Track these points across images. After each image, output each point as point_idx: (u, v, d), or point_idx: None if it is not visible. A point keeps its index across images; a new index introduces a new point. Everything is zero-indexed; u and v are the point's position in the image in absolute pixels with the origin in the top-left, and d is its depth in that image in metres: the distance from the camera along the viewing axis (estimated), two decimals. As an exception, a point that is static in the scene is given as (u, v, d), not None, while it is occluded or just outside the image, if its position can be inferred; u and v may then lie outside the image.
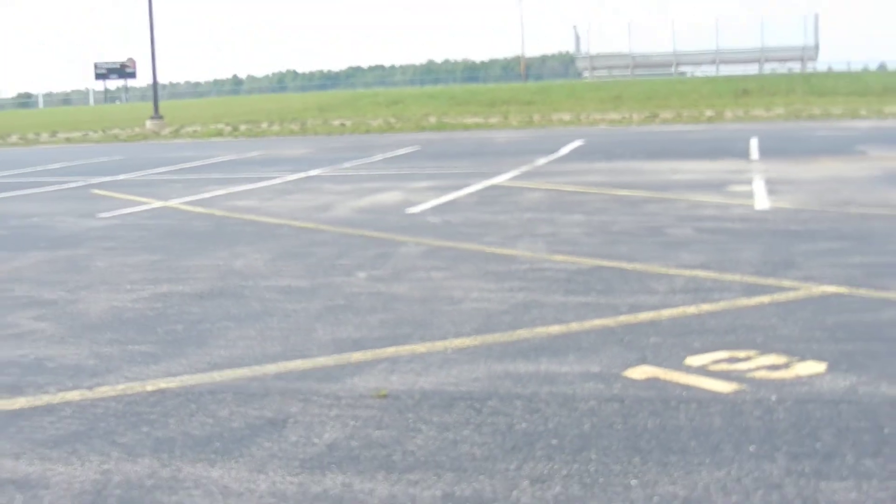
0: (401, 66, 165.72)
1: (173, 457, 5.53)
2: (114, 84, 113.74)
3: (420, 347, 7.60)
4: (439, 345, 7.66)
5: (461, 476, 5.11)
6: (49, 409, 6.42)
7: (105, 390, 6.78)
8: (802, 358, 6.98)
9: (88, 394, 6.71)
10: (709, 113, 48.52)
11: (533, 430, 5.75)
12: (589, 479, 5.01)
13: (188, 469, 5.34)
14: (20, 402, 6.59)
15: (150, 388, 6.81)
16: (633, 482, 4.96)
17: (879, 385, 6.38)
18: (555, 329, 8.00)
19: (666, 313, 8.41)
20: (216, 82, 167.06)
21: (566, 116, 50.90)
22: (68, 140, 49.48)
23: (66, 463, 5.48)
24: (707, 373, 6.70)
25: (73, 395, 6.69)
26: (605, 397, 6.28)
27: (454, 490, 4.93)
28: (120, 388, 6.82)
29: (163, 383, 6.90)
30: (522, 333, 7.90)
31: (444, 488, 4.96)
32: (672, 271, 10.17)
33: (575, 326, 8.07)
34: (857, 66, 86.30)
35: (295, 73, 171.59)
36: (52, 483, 5.21)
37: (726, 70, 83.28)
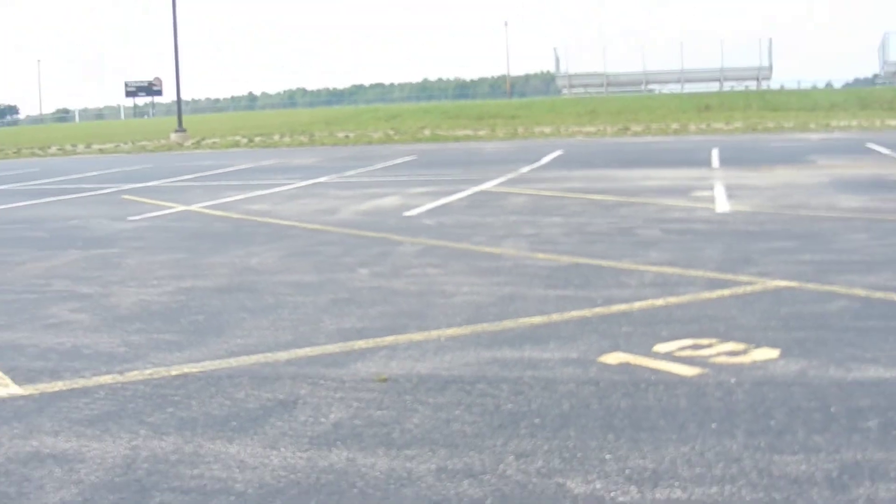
0: (399, 84, 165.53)
1: (195, 434, 5.52)
2: (142, 101, 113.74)
3: (416, 336, 7.60)
4: (434, 334, 7.65)
5: (453, 451, 5.11)
6: (84, 392, 6.42)
7: (134, 375, 6.77)
8: (758, 345, 6.98)
9: (119, 378, 6.71)
10: (675, 126, 48.53)
11: (518, 410, 5.75)
12: (568, 454, 5.01)
13: (208, 445, 5.34)
14: (59, 385, 6.58)
15: (174, 372, 6.80)
16: (608, 456, 4.96)
17: (827, 369, 6.39)
18: (537, 319, 8.00)
19: (637, 305, 8.41)
20: (233, 98, 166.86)
21: (547, 129, 50.91)
22: (101, 151, 49.46)
23: (99, 440, 5.48)
24: (673, 358, 6.70)
25: (106, 379, 6.68)
26: (582, 381, 6.28)
27: (447, 464, 4.93)
28: (147, 372, 6.82)
29: (186, 368, 6.89)
30: (508, 324, 7.90)
31: (438, 462, 4.96)
32: (642, 268, 10.17)
33: (555, 317, 8.06)
34: (806, 85, 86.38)
35: (304, 90, 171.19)
36: (87, 458, 5.20)
37: (690, 88, 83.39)
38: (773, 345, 6.98)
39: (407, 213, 16.13)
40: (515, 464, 4.91)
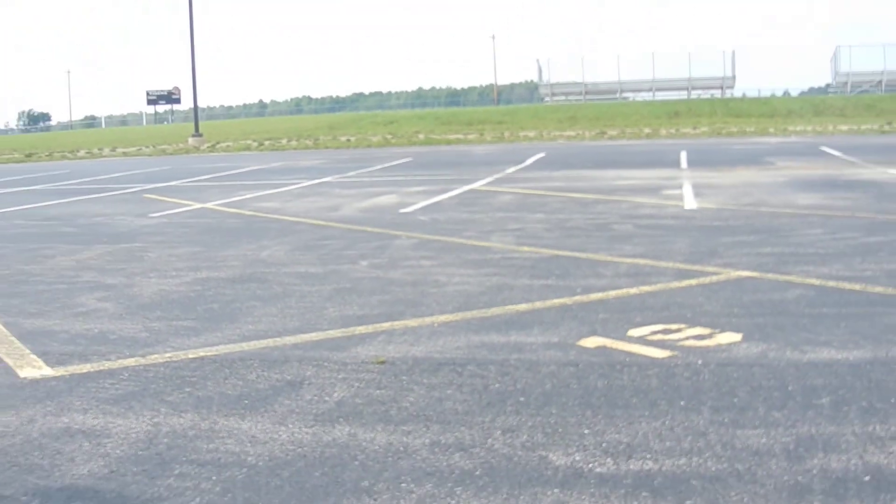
0: (396, 93, 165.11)
1: (211, 412, 5.52)
2: (162, 108, 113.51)
3: (412, 322, 7.59)
4: (428, 320, 7.64)
5: (446, 427, 5.11)
6: (110, 373, 6.41)
7: (155, 358, 6.76)
8: (723, 330, 6.99)
9: (142, 360, 6.70)
10: (647, 131, 48.57)
11: (504, 390, 5.75)
12: (550, 429, 5.01)
13: (223, 422, 5.33)
14: (87, 367, 6.57)
15: (191, 355, 6.79)
16: (586, 431, 4.97)
17: (785, 351, 6.39)
18: (522, 307, 7.99)
19: (612, 294, 8.41)
20: (245, 106, 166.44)
21: (531, 133, 50.92)
22: (125, 154, 49.43)
23: (123, 417, 5.48)
24: (646, 342, 6.70)
25: (130, 362, 6.67)
26: (563, 363, 6.28)
27: (440, 438, 4.93)
28: (167, 356, 6.81)
29: (202, 352, 6.89)
30: (495, 310, 7.90)
31: (432, 437, 4.96)
32: (617, 259, 10.17)
33: (538, 304, 8.06)
34: (766, 93, 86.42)
35: (309, 98, 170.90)
36: (113, 433, 5.20)
37: (661, 96, 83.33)
38: (736, 329, 6.99)
39: (403, 210, 16.11)
40: (502, 438, 4.91)
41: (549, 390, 5.71)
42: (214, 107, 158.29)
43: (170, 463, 4.72)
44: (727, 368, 6.04)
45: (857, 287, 8.43)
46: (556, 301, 8.17)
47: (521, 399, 5.56)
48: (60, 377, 6.38)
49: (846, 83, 78.55)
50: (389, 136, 53.43)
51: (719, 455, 4.59)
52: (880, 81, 77.51)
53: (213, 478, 4.51)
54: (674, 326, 7.13)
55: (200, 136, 56.24)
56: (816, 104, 66.00)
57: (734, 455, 4.58)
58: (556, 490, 4.25)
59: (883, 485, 4.21)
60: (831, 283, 8.60)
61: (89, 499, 4.33)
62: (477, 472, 4.47)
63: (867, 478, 4.29)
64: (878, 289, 8.35)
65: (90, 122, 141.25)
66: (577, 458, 4.60)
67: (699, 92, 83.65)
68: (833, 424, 4.97)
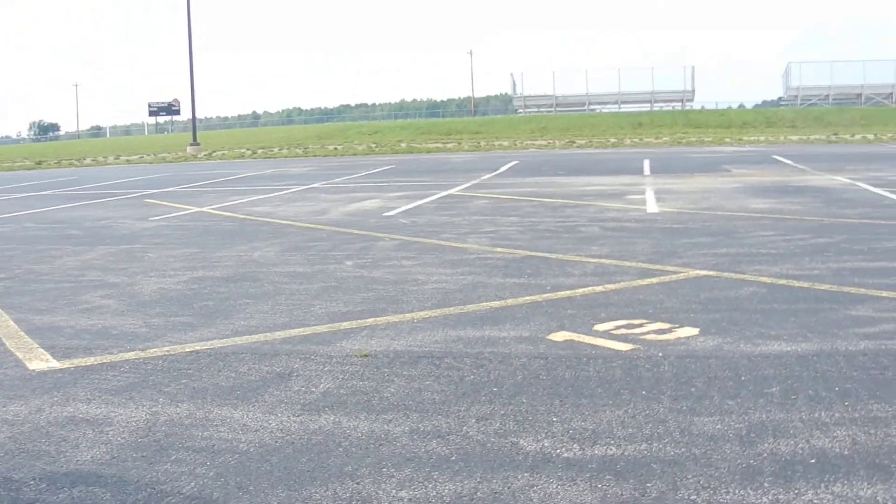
0: (380, 104, 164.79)
1: (205, 402, 5.50)
2: (163, 119, 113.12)
3: (393, 318, 7.58)
4: (408, 316, 7.64)
5: (424, 416, 5.11)
6: (112, 366, 6.39)
7: (154, 351, 6.74)
8: (682, 324, 7.00)
9: (142, 354, 6.67)
10: (612, 140, 48.62)
11: (478, 381, 5.75)
12: (521, 418, 5.02)
13: (217, 411, 5.32)
14: (90, 360, 6.55)
15: (188, 349, 6.78)
16: (554, 419, 4.97)
17: (739, 344, 6.41)
18: (495, 304, 7.99)
19: (580, 291, 8.41)
20: (240, 116, 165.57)
21: (505, 142, 50.93)
22: (128, 162, 49.25)
23: (124, 406, 5.46)
24: (610, 336, 6.71)
25: (130, 355, 6.65)
26: (533, 355, 6.28)
27: (419, 426, 4.93)
28: (165, 349, 6.79)
29: (198, 346, 6.87)
30: (471, 307, 7.89)
31: (411, 425, 4.96)
32: (584, 259, 10.17)
33: (510, 301, 8.06)
34: (723, 106, 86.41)
35: (300, 109, 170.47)
36: (115, 421, 5.18)
37: (626, 108, 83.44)
38: (693, 324, 7.00)
39: (386, 214, 16.09)
40: (476, 426, 4.91)
41: (520, 381, 5.71)
42: (211, 117, 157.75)
43: (167, 449, 4.71)
44: (685, 360, 6.05)
45: (806, 285, 8.46)
46: (528, 298, 8.17)
47: (494, 389, 5.56)
48: (66, 369, 6.36)
49: (797, 97, 78.82)
50: (374, 145, 53.34)
51: (677, 441, 4.60)
52: (828, 95, 77.85)
53: (208, 463, 4.51)
54: (636, 321, 7.13)
55: (198, 144, 56.10)
56: (769, 116, 66.19)
57: (691, 440, 4.60)
58: (526, 474, 4.25)
59: (827, 467, 4.22)
60: (782, 282, 8.62)
61: (92, 483, 4.31)
62: (453, 458, 4.47)
63: (813, 461, 4.31)
64: (825, 286, 8.37)
65: (96, 131, 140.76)
66: (546, 444, 4.60)
67: (661, 104, 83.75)
68: (782, 412, 4.98)
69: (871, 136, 44.77)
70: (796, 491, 4.00)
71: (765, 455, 4.38)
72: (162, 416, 5.28)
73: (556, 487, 4.10)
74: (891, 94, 76.15)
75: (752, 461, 4.32)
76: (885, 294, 7.98)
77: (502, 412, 5.12)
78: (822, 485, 4.05)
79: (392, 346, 6.66)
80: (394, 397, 5.48)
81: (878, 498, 3.92)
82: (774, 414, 4.95)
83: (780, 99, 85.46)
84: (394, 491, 4.13)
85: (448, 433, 4.82)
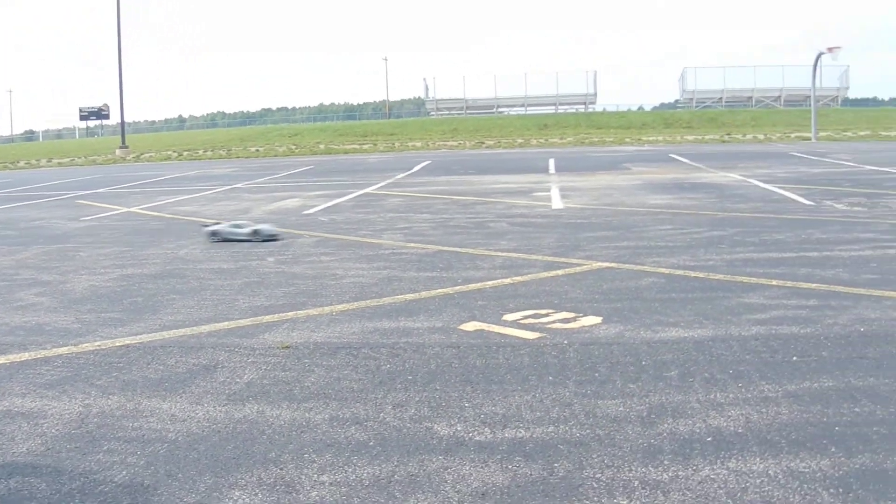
0: (300, 108, 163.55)
1: (135, 394, 5.45)
2: (93, 123, 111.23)
3: (313, 311, 7.55)
4: (327, 309, 7.62)
5: (343, 404, 5.11)
6: (46, 361, 6.29)
7: (86, 346, 6.66)
8: (585, 313, 7.06)
9: (74, 349, 6.58)
10: (519, 141, 48.84)
11: (394, 370, 5.76)
12: (435, 404, 5.04)
13: (146, 402, 5.27)
14: (25, 356, 6.44)
15: (118, 344, 6.70)
16: (467, 405, 4.99)
17: (639, 331, 6.49)
18: (410, 296, 8.00)
19: (489, 284, 8.45)
20: (166, 120, 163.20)
21: (418, 144, 50.93)
22: (60, 164, 48.50)
23: (58, 400, 5.39)
24: (518, 325, 6.75)
25: (63, 350, 6.56)
26: (446, 344, 6.30)
27: (338, 414, 4.93)
28: (97, 344, 6.70)
29: (128, 340, 6.79)
30: (387, 300, 7.89)
31: (331, 413, 4.95)
32: (493, 253, 10.22)
33: (424, 294, 8.07)
34: (623, 108, 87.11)
35: (224, 113, 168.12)
36: (49, 414, 5.11)
37: (532, 110, 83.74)
38: (597, 313, 7.07)
39: (306, 212, 16.02)
40: (393, 412, 4.92)
41: (434, 369, 5.73)
42: (139, 121, 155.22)
43: (99, 440, 4.66)
44: (589, 347, 6.11)
45: (701, 275, 8.58)
46: (440, 291, 8.19)
47: (409, 377, 5.57)
48: (1, 365, 6.25)
49: (692, 99, 79.77)
50: (294, 147, 53.00)
51: (583, 423, 4.65)
52: (721, 98, 78.88)
53: (138, 452, 4.46)
54: (543, 311, 7.18)
55: (127, 147, 55.34)
56: (667, 118, 66.95)
57: (595, 422, 4.65)
58: (440, 457, 4.27)
59: (723, 444, 4.30)
60: (679, 272, 8.74)
61: (28, 474, 4.25)
62: (371, 443, 4.47)
63: (710, 439, 4.38)
64: (719, 276, 8.50)
65: (29, 135, 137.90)
66: (459, 429, 4.63)
67: (565, 107, 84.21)
68: (680, 394, 5.06)
69: (761, 136, 45.55)
70: (694, 467, 4.07)
71: (664, 435, 4.45)
72: (94, 408, 5.21)
73: (469, 469, 4.12)
74: (779, 97, 77.43)
75: (652, 441, 4.38)
76: (774, 283, 8.13)
77: (417, 399, 5.14)
78: (719, 461, 4.13)
79: (312, 338, 6.64)
80: (314, 386, 5.47)
81: (769, 472, 4.01)
82: (673, 396, 5.03)
83: (676, 101, 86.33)
84: (315, 476, 4.12)
85: (366, 420, 4.82)
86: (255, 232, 12.04)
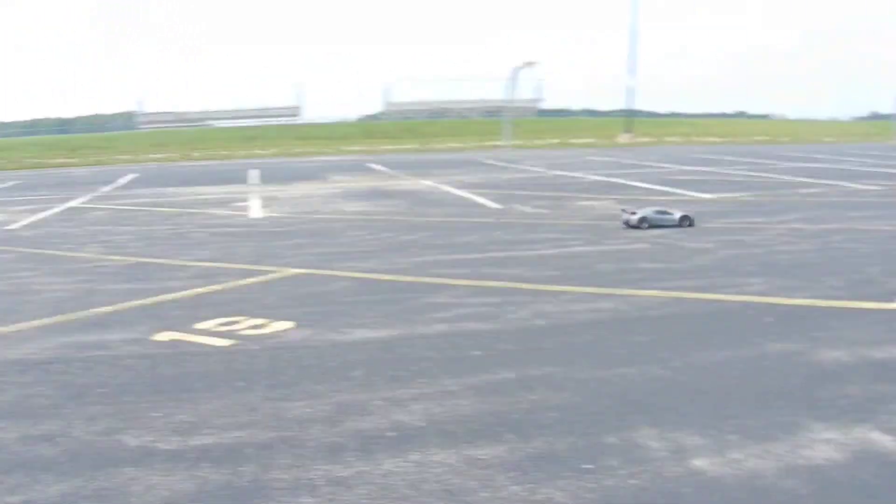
0: (9, 122, 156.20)
1: None
2: None
3: (10, 329, 7.16)
4: (24, 325, 7.25)
5: (35, 421, 4.88)
6: None
7: None
8: (277, 319, 7.04)
9: None
10: (225, 152, 48.24)
11: (88, 383, 5.55)
12: (126, 415, 4.89)
13: None
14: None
15: None
16: (157, 414, 4.87)
17: (328, 334, 6.53)
18: (107, 308, 7.72)
19: (185, 293, 8.27)
20: None
21: (127, 157, 49.48)
22: None
23: None
24: (211, 333, 6.64)
25: None
26: (139, 355, 6.12)
27: (29, 431, 4.71)
28: None
29: None
30: (84, 313, 7.59)
31: (22, 431, 4.73)
32: (191, 263, 10.01)
33: (120, 306, 7.80)
34: (327, 120, 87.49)
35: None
36: None
37: (240, 123, 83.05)
38: (288, 318, 7.05)
39: (9, 227, 15.18)
40: (84, 427, 4.74)
41: (127, 381, 5.55)
42: None
43: None
44: (279, 352, 6.09)
45: (391, 277, 8.72)
46: (137, 302, 7.95)
47: (102, 390, 5.37)
48: None
49: (395, 111, 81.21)
50: (2, 161, 50.41)
51: (270, 426, 4.63)
52: (422, 109, 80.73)
53: None
54: (236, 318, 7.10)
55: None
56: (368, 128, 67.91)
57: (282, 425, 4.63)
58: (130, 468, 4.15)
59: (405, 437, 4.40)
60: (370, 276, 8.84)
61: None
62: (61, 459, 4.30)
63: (392, 433, 4.46)
64: (409, 278, 8.66)
65: None
66: (149, 439, 4.51)
67: (271, 119, 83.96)
68: (365, 392, 5.12)
69: (456, 145, 46.73)
70: (377, 462, 4.13)
71: (349, 433, 4.49)
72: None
73: (158, 479, 4.03)
74: (473, 108, 79.94)
75: (337, 439, 4.41)
76: (460, 282, 8.35)
77: (109, 411, 4.96)
78: (401, 454, 4.20)
79: (6, 356, 6.29)
80: (6, 405, 5.19)
81: (449, 461, 4.12)
82: (358, 395, 5.07)
83: (380, 113, 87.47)
84: (5, 497, 3.92)
85: (57, 436, 4.62)
86: None
